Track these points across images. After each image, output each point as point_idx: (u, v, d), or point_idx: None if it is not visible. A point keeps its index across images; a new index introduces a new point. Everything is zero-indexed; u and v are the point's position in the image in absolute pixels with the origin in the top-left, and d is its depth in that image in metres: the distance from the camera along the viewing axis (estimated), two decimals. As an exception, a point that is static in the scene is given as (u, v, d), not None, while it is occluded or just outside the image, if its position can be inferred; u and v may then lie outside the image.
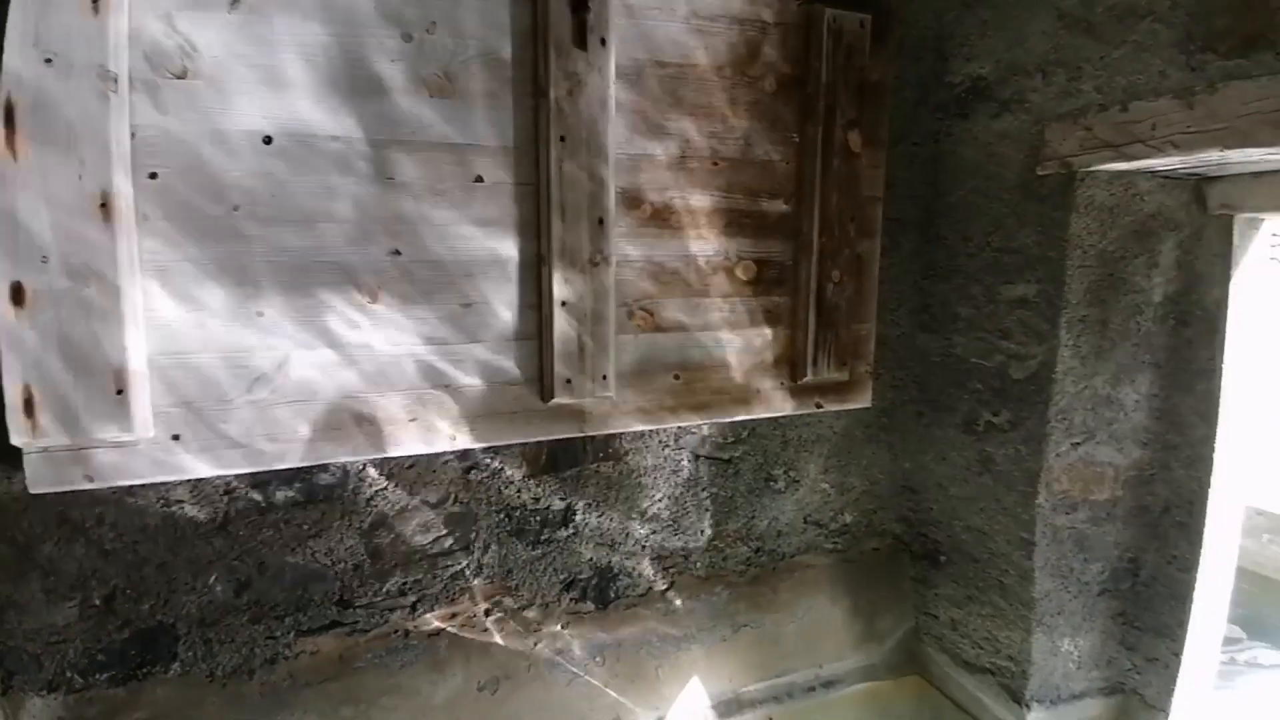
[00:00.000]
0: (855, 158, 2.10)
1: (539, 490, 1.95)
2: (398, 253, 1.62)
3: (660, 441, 2.10)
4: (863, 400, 2.31)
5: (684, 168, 1.94)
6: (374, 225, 1.59)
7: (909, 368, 2.40)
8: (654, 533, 2.12)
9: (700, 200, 1.96)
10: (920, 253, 2.35)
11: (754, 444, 2.24)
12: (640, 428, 1.97)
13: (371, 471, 1.75)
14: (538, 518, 1.96)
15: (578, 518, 2.01)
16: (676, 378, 2.00)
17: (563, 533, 2.00)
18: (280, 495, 1.69)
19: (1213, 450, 1.91)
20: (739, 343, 2.06)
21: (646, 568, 2.12)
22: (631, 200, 1.87)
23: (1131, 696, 2.16)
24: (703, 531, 2.19)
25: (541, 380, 1.81)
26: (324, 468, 1.71)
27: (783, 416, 2.22)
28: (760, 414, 2.16)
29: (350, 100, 1.54)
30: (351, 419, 1.63)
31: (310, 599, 1.74)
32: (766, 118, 2.01)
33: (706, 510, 2.19)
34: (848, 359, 2.21)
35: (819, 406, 2.24)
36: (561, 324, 1.76)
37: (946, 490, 2.36)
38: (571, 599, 2.03)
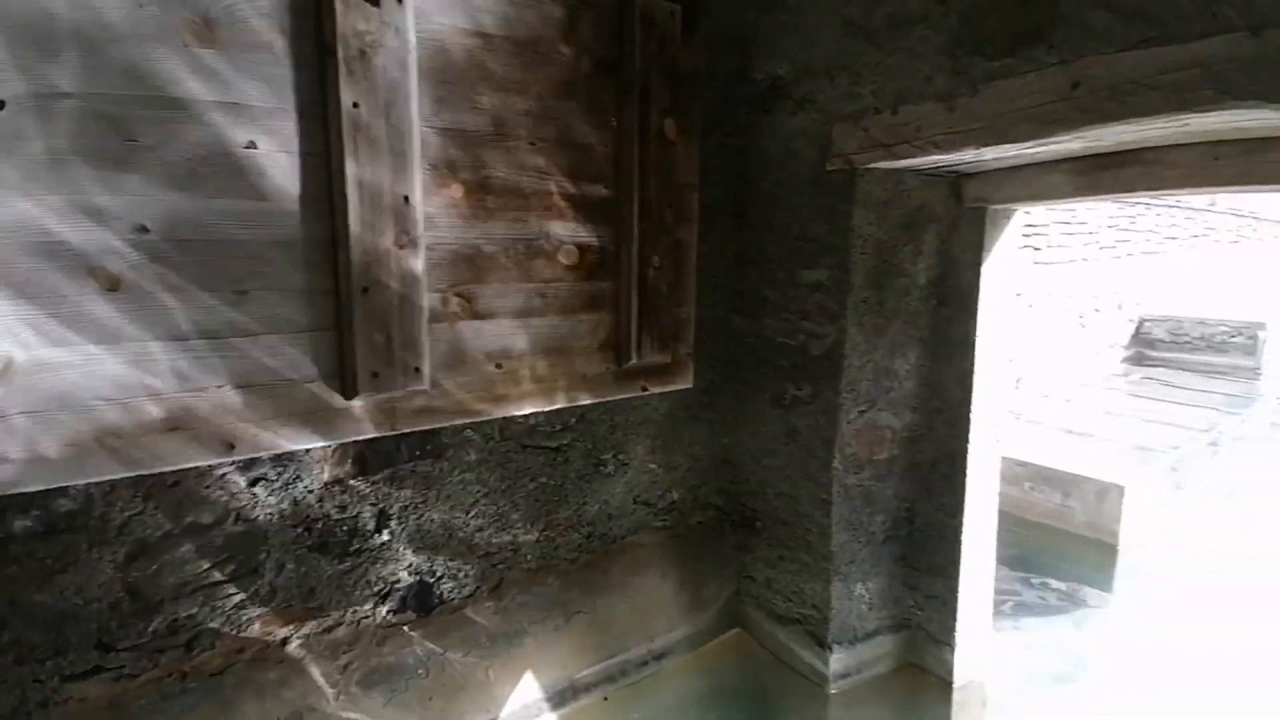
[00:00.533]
0: (671, 145, 2.15)
1: (345, 498, 1.77)
2: (144, 230, 1.35)
3: (485, 434, 2.01)
4: (685, 382, 2.40)
5: (500, 146, 1.84)
6: (113, 197, 1.31)
7: (725, 349, 2.54)
8: (480, 530, 2.03)
9: (518, 181, 1.89)
10: (733, 239, 2.48)
11: (582, 430, 2.23)
12: (462, 421, 1.87)
13: (123, 493, 1.46)
14: (345, 528, 1.78)
15: (393, 523, 1.86)
16: (499, 367, 1.92)
17: (376, 541, 1.83)
18: (19, 525, 1.39)
19: (969, 411, 2.25)
20: (564, 329, 2.03)
21: (474, 567, 2.03)
22: (442, 178, 1.74)
23: (917, 631, 2.50)
24: (533, 523, 2.15)
25: (343, 375, 1.63)
26: (63, 492, 1.40)
27: (610, 401, 2.24)
28: (587, 400, 2.15)
29: (87, 51, 1.25)
30: (92, 433, 1.34)
31: (68, 641, 1.46)
32: (584, 100, 1.98)
33: (536, 501, 2.15)
34: (670, 342, 2.28)
35: (644, 390, 2.29)
36: (364, 313, 1.59)
37: (761, 461, 2.53)
38: (389, 611, 1.88)
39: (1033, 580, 3.37)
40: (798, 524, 2.42)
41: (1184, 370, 8.75)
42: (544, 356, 1.99)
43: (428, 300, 1.71)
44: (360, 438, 1.70)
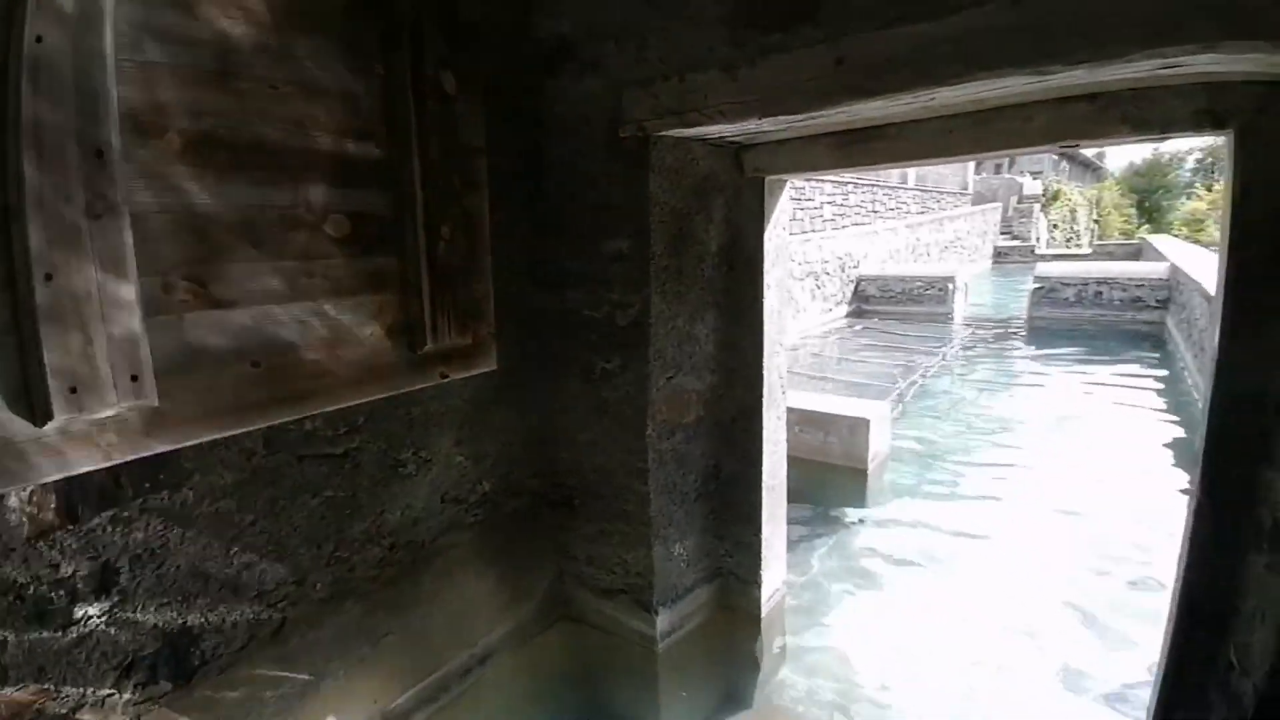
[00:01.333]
0: (451, 101, 1.92)
1: (55, 554, 1.31)
2: None
3: (245, 449, 1.63)
4: (488, 364, 2.22)
5: (230, 89, 1.47)
6: None
7: (528, 325, 2.39)
8: (249, 566, 1.66)
9: (260, 133, 1.53)
10: (528, 209, 2.32)
11: (373, 430, 1.94)
12: (209, 437, 1.49)
13: None
14: (62, 591, 1.32)
15: (123, 578, 1.42)
16: (256, 365, 1.56)
17: (102, 604, 1.39)
18: None
19: (761, 369, 2.41)
20: (342, 314, 1.72)
21: (244, 613, 1.66)
22: (151, 126, 1.34)
23: (728, 577, 2.66)
24: (320, 545, 1.82)
25: (30, 395, 1.18)
26: None
27: (404, 393, 1.97)
28: (377, 395, 1.87)
29: None
30: None
31: None
32: (340, 39, 1.67)
33: (323, 519, 1.82)
34: (469, 322, 2.08)
35: (444, 376, 2.07)
36: (50, 307, 1.16)
37: (574, 438, 2.46)
38: (137, 684, 1.45)
39: (810, 508, 3.84)
40: (616, 496, 2.40)
41: (893, 319, 10.68)
42: (317, 348, 1.67)
43: (142, 286, 1.31)
44: (62, 475, 1.26)
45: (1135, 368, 7.46)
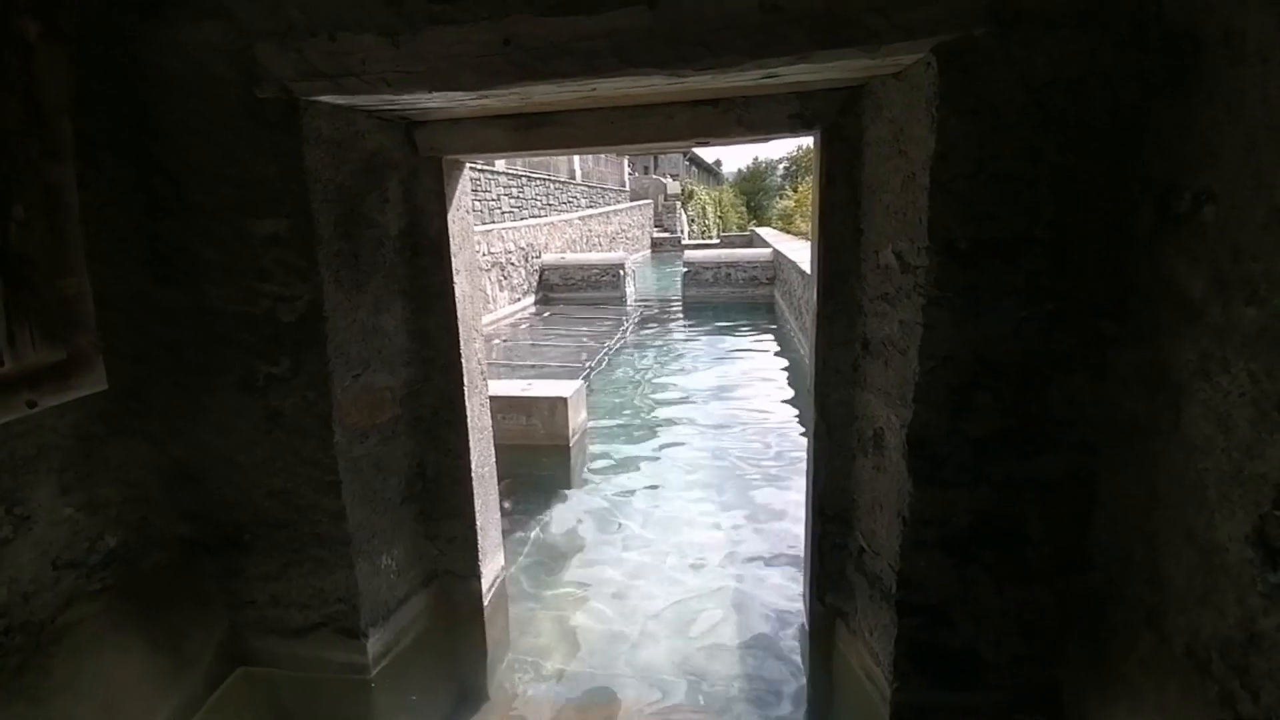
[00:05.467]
0: (31, 51, 1.43)
1: None
2: None
3: None
4: (94, 383, 1.70)
5: None
6: None
7: (152, 330, 1.91)
8: None
9: None
10: (135, 185, 1.84)
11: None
12: None
13: None
14: None
15: None
16: None
17: None
18: None
19: (459, 357, 2.32)
20: None
21: None
22: None
23: (445, 576, 2.53)
24: None
25: None
26: None
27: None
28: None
29: None
30: None
31: None
32: None
33: None
34: (61, 331, 1.58)
35: (32, 405, 1.53)
36: None
37: (236, 462, 2.05)
38: None
39: (519, 490, 3.89)
40: (302, 519, 2.08)
41: (576, 304, 11.39)
42: None
43: None
44: None
45: (758, 328, 9.32)
